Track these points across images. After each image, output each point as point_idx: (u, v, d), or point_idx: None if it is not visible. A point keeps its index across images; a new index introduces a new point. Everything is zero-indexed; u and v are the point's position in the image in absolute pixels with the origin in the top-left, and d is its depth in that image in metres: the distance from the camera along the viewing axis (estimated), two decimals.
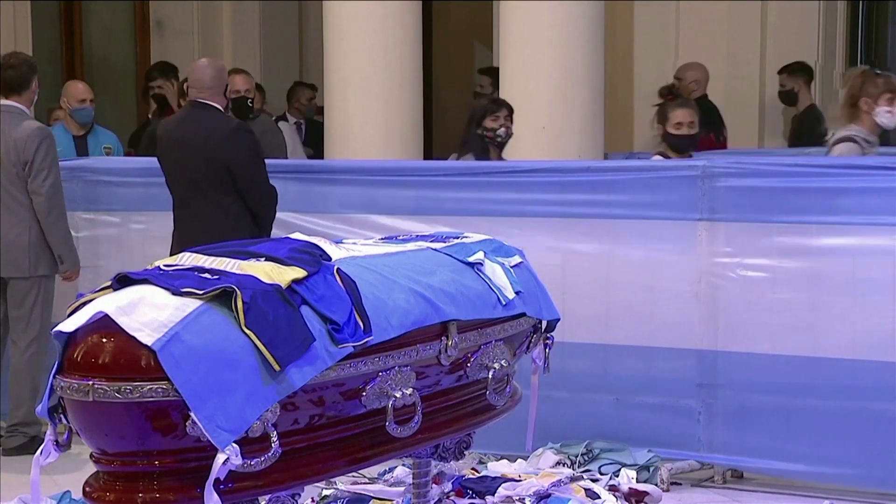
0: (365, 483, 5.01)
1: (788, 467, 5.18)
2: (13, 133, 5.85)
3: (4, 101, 5.94)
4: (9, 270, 5.88)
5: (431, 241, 3.84)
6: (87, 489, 2.93)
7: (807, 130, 8.65)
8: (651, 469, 5.23)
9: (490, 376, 3.64)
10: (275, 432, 2.92)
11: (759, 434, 5.19)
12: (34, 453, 3.06)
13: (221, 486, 2.84)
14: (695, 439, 5.31)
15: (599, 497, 4.82)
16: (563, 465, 5.22)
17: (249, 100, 7.19)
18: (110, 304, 2.86)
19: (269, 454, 2.91)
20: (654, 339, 5.35)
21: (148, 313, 2.83)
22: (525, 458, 5.28)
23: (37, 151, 5.81)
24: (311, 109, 9.69)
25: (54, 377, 2.88)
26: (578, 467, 5.20)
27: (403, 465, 5.01)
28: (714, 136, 7.96)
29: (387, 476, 5.09)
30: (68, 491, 4.79)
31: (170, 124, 5.90)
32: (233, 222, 5.42)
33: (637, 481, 5.07)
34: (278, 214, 5.75)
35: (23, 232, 5.85)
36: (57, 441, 3.01)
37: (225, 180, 5.42)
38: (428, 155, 8.83)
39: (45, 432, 3.05)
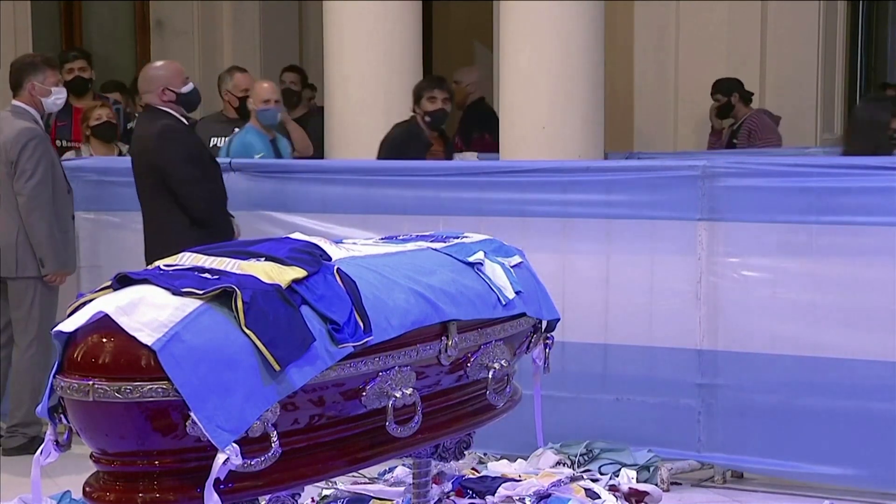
0: (365, 483, 5.01)
1: (788, 467, 5.17)
2: (2, 134, 5.86)
3: (13, 102, 5.99)
4: (5, 270, 5.88)
5: (431, 241, 3.84)
6: (87, 489, 2.93)
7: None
8: (651, 469, 5.22)
9: (490, 376, 3.64)
10: (275, 432, 2.92)
11: (759, 434, 5.19)
12: (34, 453, 3.06)
13: (221, 486, 2.84)
14: (695, 439, 5.30)
15: (599, 497, 4.82)
16: (563, 465, 5.22)
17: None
18: (110, 304, 2.86)
19: (269, 454, 2.91)
20: (654, 339, 5.34)
21: (148, 313, 2.83)
22: (525, 458, 5.27)
23: (22, 151, 5.79)
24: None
25: (54, 377, 2.88)
26: (578, 467, 5.19)
27: (403, 465, 5.01)
28: (490, 136, 7.71)
29: (387, 476, 5.09)
30: (68, 491, 4.78)
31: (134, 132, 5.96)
32: (178, 227, 5.33)
33: (637, 481, 5.06)
34: (277, 214, 5.74)
35: (12, 232, 5.85)
36: (57, 441, 3.01)
37: (163, 185, 5.39)
38: None
39: (45, 432, 3.05)
